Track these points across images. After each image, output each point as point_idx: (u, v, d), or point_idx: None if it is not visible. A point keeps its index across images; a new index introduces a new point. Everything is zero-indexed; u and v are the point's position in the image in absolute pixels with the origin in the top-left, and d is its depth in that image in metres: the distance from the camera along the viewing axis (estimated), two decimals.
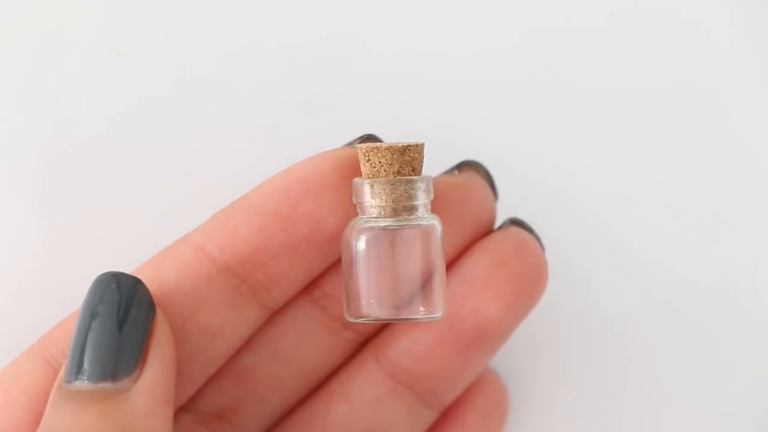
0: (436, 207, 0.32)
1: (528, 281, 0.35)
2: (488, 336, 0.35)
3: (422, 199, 0.32)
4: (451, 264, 0.36)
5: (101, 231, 0.38)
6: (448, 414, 0.37)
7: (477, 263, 0.35)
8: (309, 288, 0.35)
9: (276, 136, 0.39)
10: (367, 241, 0.32)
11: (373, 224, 0.32)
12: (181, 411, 0.35)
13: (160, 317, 0.32)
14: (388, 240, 0.31)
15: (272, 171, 0.34)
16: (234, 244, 0.34)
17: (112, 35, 0.38)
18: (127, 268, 0.35)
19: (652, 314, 0.40)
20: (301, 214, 0.34)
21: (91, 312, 0.31)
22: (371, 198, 0.32)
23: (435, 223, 0.32)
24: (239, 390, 0.35)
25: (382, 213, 0.32)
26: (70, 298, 0.36)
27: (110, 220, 0.38)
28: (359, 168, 0.32)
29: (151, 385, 0.31)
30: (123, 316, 0.31)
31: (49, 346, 0.33)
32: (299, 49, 0.38)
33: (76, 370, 0.31)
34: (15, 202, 0.38)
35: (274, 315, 0.35)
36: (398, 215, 0.32)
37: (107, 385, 0.31)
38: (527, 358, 0.40)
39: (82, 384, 0.31)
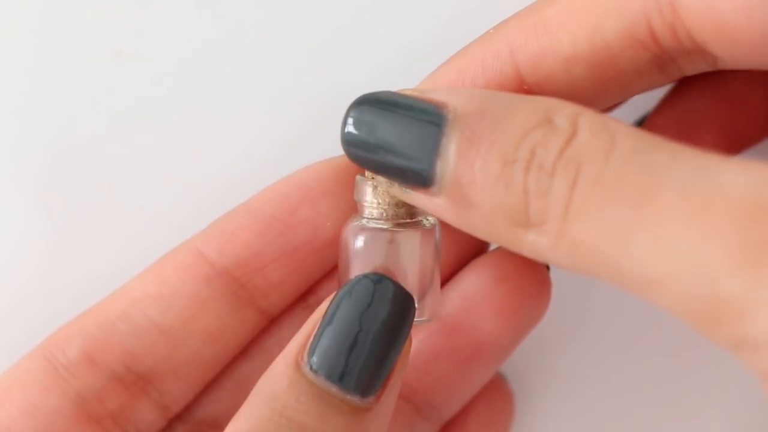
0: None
1: (529, 298, 0.35)
2: (487, 351, 0.35)
3: None
4: (451, 277, 0.36)
5: (101, 229, 0.38)
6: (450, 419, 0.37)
7: (478, 278, 0.35)
8: (304, 295, 0.36)
9: (276, 131, 0.39)
10: (365, 241, 0.31)
11: (372, 224, 0.32)
12: (176, 420, 0.35)
13: (410, 340, 0.31)
14: (386, 240, 0.31)
15: (272, 166, 0.35)
16: (233, 248, 0.34)
17: (112, 35, 0.38)
18: (129, 268, 0.35)
19: (659, 316, 0.39)
20: (299, 219, 0.34)
21: (361, 316, 0.30)
22: (373, 198, 0.31)
23: (434, 225, 0.32)
24: (235, 398, 0.35)
25: (384, 214, 0.32)
26: (72, 298, 0.37)
27: (111, 219, 0.38)
28: (356, 173, 0.32)
29: (386, 410, 0.30)
30: (394, 333, 0.30)
31: (51, 347, 0.33)
32: (300, 48, 0.38)
33: (341, 372, 0.29)
34: (14, 202, 0.38)
35: (270, 323, 0.35)
36: (399, 217, 0.32)
37: (355, 400, 0.29)
38: (535, 361, 0.40)
39: (334, 389, 0.29)
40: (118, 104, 0.38)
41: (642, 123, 0.37)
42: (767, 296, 0.24)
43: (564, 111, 0.28)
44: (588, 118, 0.27)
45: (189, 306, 0.34)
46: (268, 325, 0.35)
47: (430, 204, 0.29)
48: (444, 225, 0.33)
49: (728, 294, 0.25)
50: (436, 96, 0.29)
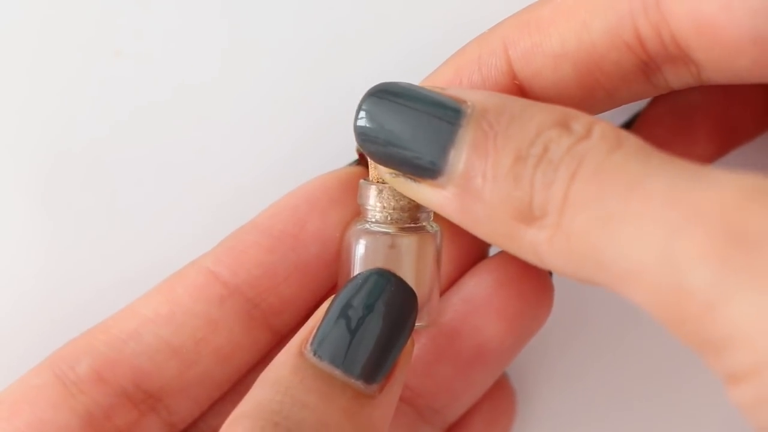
0: (441, 220, 0.32)
1: (531, 302, 0.35)
2: (489, 355, 0.35)
3: (426, 208, 0.32)
4: (453, 282, 0.36)
5: (101, 231, 0.38)
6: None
7: (480, 282, 0.35)
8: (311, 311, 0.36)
9: (276, 132, 0.38)
10: (366, 245, 0.32)
11: (375, 228, 0.32)
12: None
13: (412, 340, 0.31)
14: (388, 245, 0.32)
15: (272, 166, 0.35)
16: (245, 266, 0.34)
17: (112, 35, 0.38)
18: (132, 271, 0.35)
19: None
20: (309, 233, 0.34)
21: (365, 307, 0.30)
22: (376, 201, 0.32)
23: (436, 231, 0.32)
24: None
25: (387, 218, 0.32)
26: (74, 302, 0.37)
27: (111, 221, 0.38)
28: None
29: (389, 402, 0.30)
30: (397, 323, 0.30)
31: (59, 361, 0.33)
32: (303, 49, 0.38)
33: (345, 356, 0.30)
34: (14, 204, 0.38)
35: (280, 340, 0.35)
36: (402, 221, 0.32)
37: (359, 384, 0.30)
38: (536, 362, 0.40)
39: (338, 371, 0.29)
40: (119, 105, 0.38)
41: (637, 116, 0.37)
42: (735, 288, 0.23)
43: (581, 118, 0.28)
44: (603, 126, 0.28)
45: (201, 326, 0.34)
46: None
47: (435, 196, 0.30)
48: (446, 232, 0.33)
49: (694, 285, 0.24)
50: (455, 93, 0.29)
